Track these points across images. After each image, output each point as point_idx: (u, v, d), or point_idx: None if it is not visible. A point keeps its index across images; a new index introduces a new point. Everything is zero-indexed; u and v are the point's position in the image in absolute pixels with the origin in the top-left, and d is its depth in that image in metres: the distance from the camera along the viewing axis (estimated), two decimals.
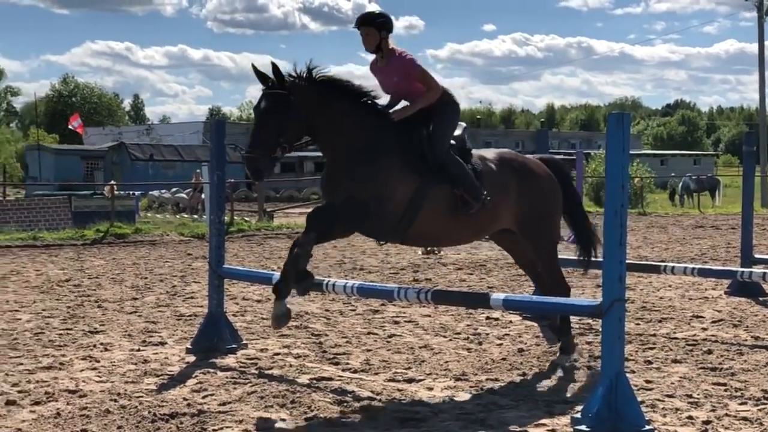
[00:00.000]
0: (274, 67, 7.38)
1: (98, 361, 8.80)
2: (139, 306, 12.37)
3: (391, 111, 7.92)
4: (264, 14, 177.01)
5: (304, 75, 7.54)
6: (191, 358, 8.96)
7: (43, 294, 13.70)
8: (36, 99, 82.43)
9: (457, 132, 8.12)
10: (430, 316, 11.41)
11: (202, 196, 31.49)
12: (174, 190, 40.12)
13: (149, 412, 6.93)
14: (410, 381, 8.04)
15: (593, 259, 9.17)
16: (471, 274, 16.27)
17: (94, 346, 9.58)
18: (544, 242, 8.55)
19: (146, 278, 15.63)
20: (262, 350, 9.36)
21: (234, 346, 9.33)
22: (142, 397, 7.44)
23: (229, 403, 7.30)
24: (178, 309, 12.09)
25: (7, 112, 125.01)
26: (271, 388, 7.68)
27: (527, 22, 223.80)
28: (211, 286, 9.66)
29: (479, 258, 18.99)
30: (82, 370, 8.43)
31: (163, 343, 9.74)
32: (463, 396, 7.54)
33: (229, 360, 8.89)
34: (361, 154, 7.54)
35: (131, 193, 33.81)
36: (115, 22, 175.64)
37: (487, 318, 11.16)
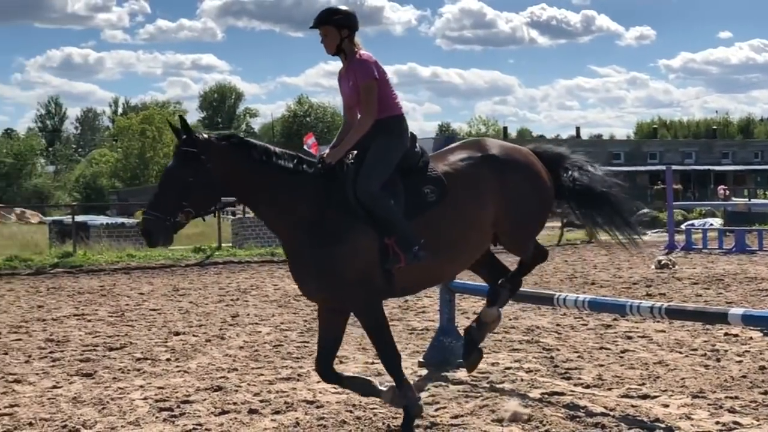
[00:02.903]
0: (182, 121, 6.46)
1: None
2: None
3: (326, 155, 6.78)
4: (492, 30, 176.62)
5: (224, 135, 6.67)
6: (423, 371, 9.08)
7: (281, 308, 14.19)
8: (273, 119, 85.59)
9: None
10: (664, 331, 11.11)
11: None
12: None
13: (383, 424, 7.08)
14: (645, 397, 7.86)
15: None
16: (707, 288, 15.75)
17: None
18: (526, 239, 7.42)
19: None
20: (493, 364, 9.37)
21: None
22: (376, 408, 7.59)
23: (462, 416, 7.35)
24: (410, 323, 12.26)
25: (246, 133, 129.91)
26: (503, 402, 7.67)
27: (766, 28, 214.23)
28: (442, 300, 9.77)
29: (716, 272, 18.36)
30: (318, 382, 8.65)
31: None
32: (701, 414, 7.30)
33: (461, 374, 8.95)
34: (311, 229, 6.50)
35: None
36: None
37: (726, 334, 10.76)
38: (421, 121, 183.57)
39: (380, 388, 6.85)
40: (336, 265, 6.45)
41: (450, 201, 6.76)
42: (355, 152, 6.76)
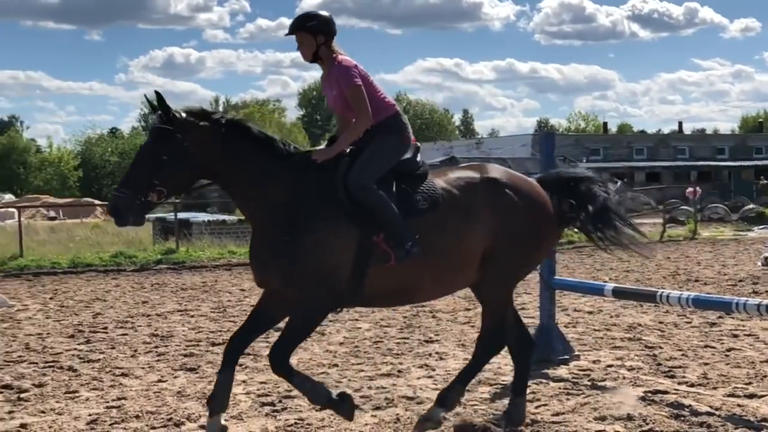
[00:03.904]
0: (159, 97, 6.19)
1: (434, 370, 9.05)
2: (472, 316, 12.59)
3: (313, 151, 6.56)
4: (592, 24, 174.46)
5: (206, 113, 6.41)
6: None
7: None
8: None
9: (407, 155, 6.63)
10: None
11: None
12: None
13: (483, 420, 7.04)
14: (751, 397, 7.70)
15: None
16: None
17: (430, 354, 9.86)
18: (509, 276, 6.90)
19: None
20: (594, 362, 9.28)
21: (566, 357, 9.32)
22: (476, 405, 7.59)
23: (563, 413, 7.30)
24: None
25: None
26: (604, 399, 7.60)
27: None
28: (542, 297, 9.70)
29: None
30: (418, 378, 8.70)
31: None
32: None
33: (562, 371, 8.89)
34: (285, 218, 6.26)
35: None
36: (445, 39, 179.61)
37: None
38: (520, 117, 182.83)
39: (224, 406, 6.49)
40: (302, 258, 6.16)
41: (440, 214, 6.46)
42: (352, 147, 6.52)
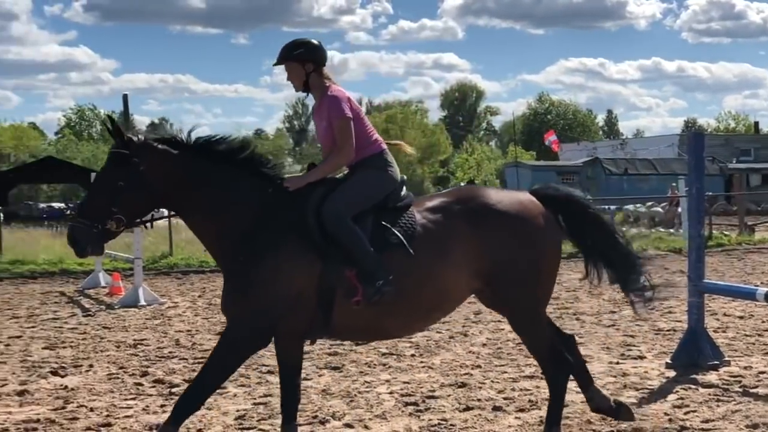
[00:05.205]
0: (112, 122, 6.03)
1: None
2: (617, 319, 12.40)
3: (286, 179, 6.23)
4: (742, 21, 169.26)
5: (165, 135, 6.18)
6: (671, 373, 8.85)
7: None
8: (514, 117, 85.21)
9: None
10: None
11: (679, 209, 30.99)
12: (649, 204, 39.53)
13: (629, 426, 6.93)
14: None
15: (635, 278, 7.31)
16: None
17: None
18: (522, 303, 6.41)
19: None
20: (746, 368, 9.03)
21: (716, 362, 9.08)
22: None
23: (712, 420, 7.12)
24: (656, 323, 11.96)
25: (487, 131, 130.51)
26: (757, 407, 7.39)
27: None
28: (690, 301, 9.48)
29: None
30: None
31: (641, 357, 9.70)
32: None
33: (711, 377, 8.67)
34: (243, 244, 5.99)
35: (607, 207, 33.90)
36: (588, 39, 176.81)
37: None
38: (666, 117, 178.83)
39: None
40: (253, 286, 5.93)
41: (416, 251, 6.07)
42: (331, 177, 6.30)
